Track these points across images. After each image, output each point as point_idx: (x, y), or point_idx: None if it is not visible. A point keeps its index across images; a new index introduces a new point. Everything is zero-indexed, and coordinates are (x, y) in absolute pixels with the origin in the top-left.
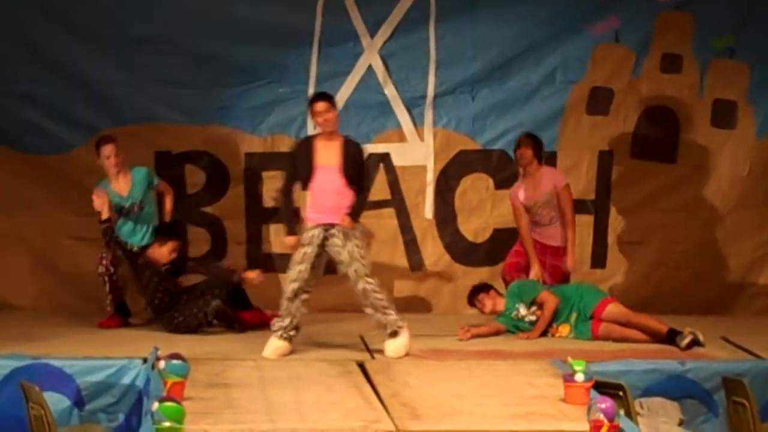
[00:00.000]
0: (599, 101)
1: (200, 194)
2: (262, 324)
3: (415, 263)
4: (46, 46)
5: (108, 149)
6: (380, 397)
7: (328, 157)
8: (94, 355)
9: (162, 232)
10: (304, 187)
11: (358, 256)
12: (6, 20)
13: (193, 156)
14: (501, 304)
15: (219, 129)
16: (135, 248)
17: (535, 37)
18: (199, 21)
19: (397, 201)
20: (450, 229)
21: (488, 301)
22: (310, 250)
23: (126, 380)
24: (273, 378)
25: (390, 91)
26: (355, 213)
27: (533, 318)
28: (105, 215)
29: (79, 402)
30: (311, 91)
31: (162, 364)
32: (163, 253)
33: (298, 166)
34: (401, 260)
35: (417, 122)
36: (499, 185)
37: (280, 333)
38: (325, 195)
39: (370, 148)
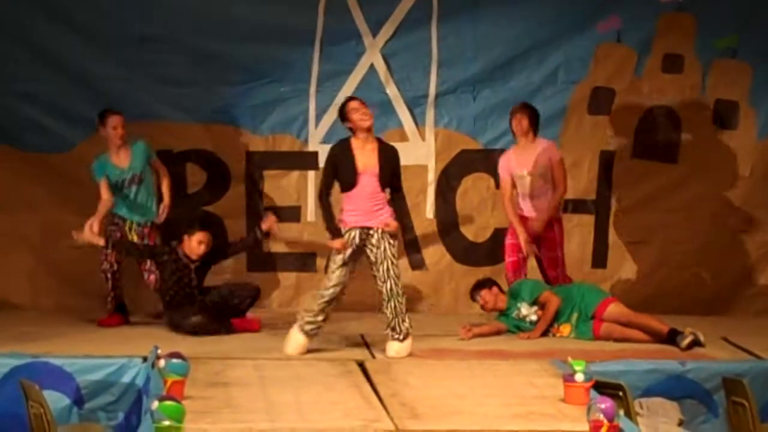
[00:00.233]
0: (601, 101)
1: (201, 193)
2: (249, 330)
3: (416, 262)
4: (46, 44)
5: (115, 120)
6: (380, 397)
7: (367, 160)
8: (93, 354)
9: (190, 223)
10: (344, 189)
11: (390, 255)
12: (6, 19)
13: (194, 154)
14: (503, 301)
15: (220, 127)
16: (140, 228)
17: (537, 37)
18: (200, 19)
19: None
20: (451, 228)
21: (490, 298)
22: (348, 253)
23: (126, 379)
24: (273, 377)
25: (392, 90)
26: (406, 216)
27: (534, 318)
28: (102, 242)
29: (78, 400)
30: (313, 89)
31: (162, 362)
32: (191, 246)
33: (340, 169)
34: (402, 259)
35: (418, 122)
36: (500, 185)
37: (308, 329)
38: (362, 198)
39: None
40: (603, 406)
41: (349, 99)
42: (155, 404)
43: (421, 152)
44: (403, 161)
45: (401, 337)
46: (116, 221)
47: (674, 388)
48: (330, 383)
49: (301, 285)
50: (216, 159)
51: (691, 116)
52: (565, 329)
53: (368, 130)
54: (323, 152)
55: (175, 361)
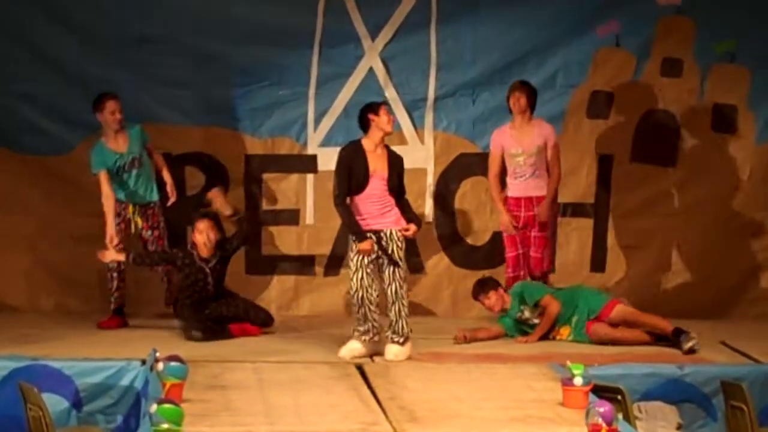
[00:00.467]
0: (600, 105)
1: (200, 196)
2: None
3: (415, 266)
4: (45, 46)
5: (113, 104)
6: (378, 400)
7: (377, 163)
8: (92, 357)
9: (190, 222)
10: (353, 193)
11: (397, 258)
12: (6, 20)
13: (192, 157)
14: (507, 302)
15: (219, 130)
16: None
17: (536, 41)
18: (200, 21)
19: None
20: (449, 232)
21: (497, 299)
22: (363, 256)
23: (124, 382)
24: (271, 380)
25: (390, 93)
26: (416, 218)
27: (537, 321)
28: (123, 257)
29: (77, 403)
30: (312, 92)
31: (160, 365)
32: (197, 240)
33: (354, 171)
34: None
35: (417, 125)
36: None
37: (360, 336)
38: (372, 201)
39: None
40: (601, 409)
41: (383, 102)
42: (154, 407)
43: (419, 155)
44: None
45: (401, 340)
46: (119, 210)
47: (673, 392)
48: (329, 386)
49: (299, 288)
50: (215, 162)
51: (689, 120)
52: (565, 332)
53: (384, 136)
54: (322, 155)
55: (173, 364)
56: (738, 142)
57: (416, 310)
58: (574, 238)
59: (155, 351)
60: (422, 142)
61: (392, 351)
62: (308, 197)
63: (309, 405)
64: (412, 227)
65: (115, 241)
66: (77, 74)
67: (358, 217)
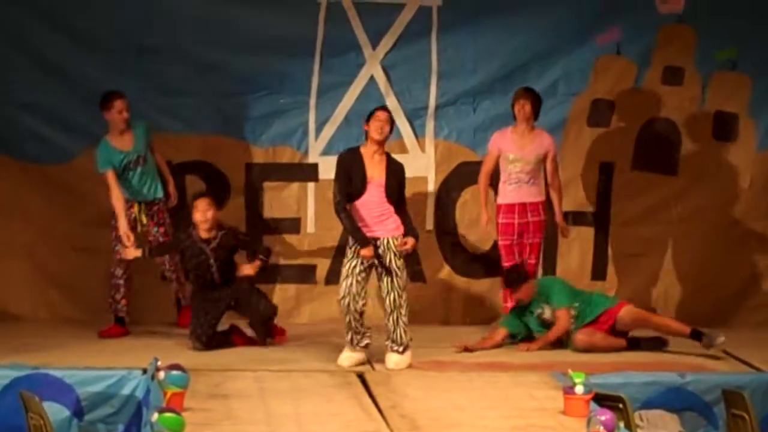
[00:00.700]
0: (601, 113)
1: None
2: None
3: (415, 275)
4: (46, 54)
5: (121, 103)
6: (380, 409)
7: (375, 170)
8: (93, 366)
9: (192, 196)
10: (351, 199)
11: (395, 267)
12: (7, 28)
13: (193, 166)
14: (535, 293)
15: (220, 139)
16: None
17: (536, 50)
18: (201, 30)
19: None
20: (450, 240)
21: (529, 291)
22: (355, 263)
23: (125, 391)
24: (273, 389)
25: (391, 102)
26: (413, 232)
27: (552, 320)
28: (140, 253)
29: (78, 412)
30: (313, 101)
31: (162, 374)
32: (196, 220)
33: (352, 177)
34: None
35: (418, 133)
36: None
37: (352, 343)
38: (369, 208)
39: None
40: (603, 418)
41: (380, 108)
42: (155, 416)
43: (420, 164)
44: None
45: (401, 349)
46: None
47: (674, 401)
48: (330, 395)
49: (300, 297)
50: (216, 170)
51: (690, 128)
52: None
53: (378, 143)
54: (323, 164)
55: (174, 372)
56: (739, 150)
57: (417, 318)
58: (575, 247)
59: (156, 360)
60: (423, 150)
61: (392, 360)
62: (309, 206)
63: (310, 414)
64: (410, 241)
65: (132, 238)
66: (79, 83)
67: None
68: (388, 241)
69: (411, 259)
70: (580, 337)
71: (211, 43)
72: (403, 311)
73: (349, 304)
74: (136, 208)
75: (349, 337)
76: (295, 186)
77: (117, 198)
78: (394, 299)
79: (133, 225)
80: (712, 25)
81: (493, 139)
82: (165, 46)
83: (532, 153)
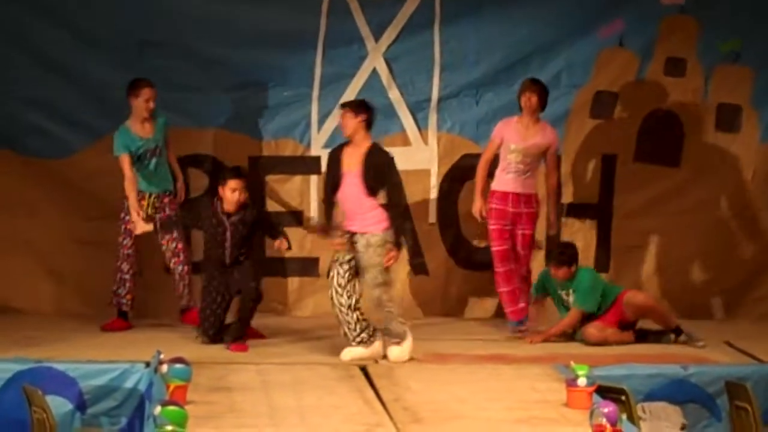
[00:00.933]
0: (603, 105)
1: (203, 198)
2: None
3: (418, 267)
4: (48, 49)
5: (149, 92)
6: (382, 401)
7: (351, 163)
8: (96, 359)
9: (221, 175)
10: (334, 194)
11: (376, 263)
12: (9, 24)
13: (196, 159)
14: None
15: (222, 132)
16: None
17: (539, 42)
18: (202, 24)
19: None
20: (453, 233)
21: (564, 272)
22: (338, 256)
23: (128, 384)
24: (275, 382)
25: (394, 94)
26: (401, 233)
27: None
28: (151, 227)
29: (81, 406)
30: (315, 94)
31: (164, 368)
32: (226, 196)
33: (329, 172)
34: (404, 264)
35: (421, 126)
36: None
37: (349, 339)
38: (346, 201)
39: None
40: (606, 410)
41: (342, 104)
42: (158, 409)
43: (423, 156)
44: (405, 166)
45: (397, 340)
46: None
47: (677, 393)
48: (332, 388)
49: (303, 289)
50: (218, 164)
51: (693, 120)
52: None
53: (349, 137)
54: (325, 157)
55: (177, 366)
56: (742, 142)
57: (420, 311)
58: (578, 239)
59: (159, 353)
60: (426, 143)
61: (393, 353)
62: (312, 199)
63: (313, 406)
64: (391, 255)
65: (142, 213)
66: (80, 77)
67: (340, 217)
68: (365, 237)
69: (414, 252)
70: (592, 331)
71: (212, 36)
72: (390, 305)
73: (332, 297)
74: (146, 201)
75: (341, 331)
76: (297, 179)
77: (129, 179)
78: (380, 296)
79: (143, 217)
80: (715, 17)
81: (498, 127)
82: (166, 40)
83: (534, 145)
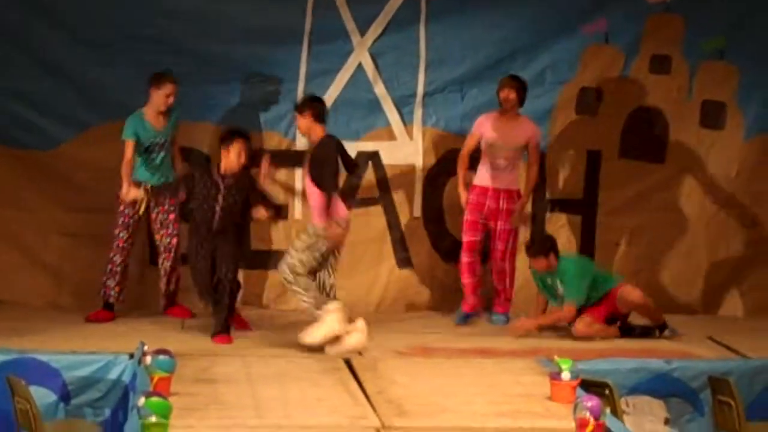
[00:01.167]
0: (588, 101)
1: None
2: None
3: (403, 261)
4: (36, 42)
5: (171, 88)
6: (366, 394)
7: (306, 156)
8: (80, 350)
9: (223, 137)
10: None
11: (292, 249)
12: None
13: (182, 152)
14: (554, 266)
15: (209, 126)
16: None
17: (524, 38)
18: (190, 19)
19: (385, 199)
20: (438, 227)
21: (544, 263)
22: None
23: (112, 375)
24: (260, 374)
25: (379, 89)
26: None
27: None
28: (142, 192)
29: (65, 396)
30: (301, 88)
31: (148, 359)
32: (231, 159)
33: None
34: (389, 258)
35: (406, 121)
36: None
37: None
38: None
39: (359, 146)
40: (589, 404)
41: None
42: (142, 400)
43: (408, 151)
44: (390, 160)
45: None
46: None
47: (660, 387)
48: (317, 380)
49: None
50: (205, 157)
51: (678, 117)
52: None
53: (305, 135)
54: None
55: (161, 357)
56: (726, 139)
57: (405, 305)
58: (562, 235)
59: (143, 344)
60: (411, 137)
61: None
62: (297, 192)
63: (297, 399)
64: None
65: (132, 190)
66: (68, 70)
67: None
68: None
69: (398, 246)
70: (580, 327)
71: (199, 31)
72: (295, 288)
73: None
74: (142, 193)
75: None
76: (282, 172)
77: (128, 162)
78: (283, 281)
79: (140, 207)
80: (699, 14)
81: (478, 121)
82: (155, 34)
83: (513, 140)
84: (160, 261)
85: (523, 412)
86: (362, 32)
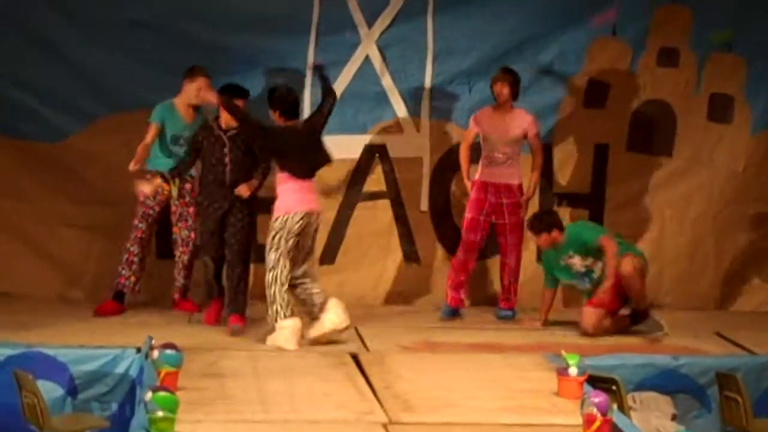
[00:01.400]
0: (596, 94)
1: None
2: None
3: (410, 255)
4: (40, 31)
5: (204, 81)
6: (373, 389)
7: None
8: (87, 344)
9: (225, 91)
10: None
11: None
12: (1, 5)
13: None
14: (560, 241)
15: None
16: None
17: (532, 30)
18: (197, 7)
19: (392, 192)
20: (445, 221)
21: (546, 238)
22: None
23: (119, 369)
24: (267, 369)
25: (387, 81)
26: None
27: (582, 270)
28: (159, 180)
29: (72, 391)
30: (308, 80)
31: (155, 353)
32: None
33: None
34: (396, 252)
35: (413, 113)
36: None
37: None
38: None
39: (366, 139)
40: (596, 400)
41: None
42: (149, 395)
43: (416, 144)
44: (398, 153)
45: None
46: (147, 177)
47: (667, 383)
48: (324, 375)
49: None
50: (205, 119)
51: (685, 110)
52: None
53: None
54: None
55: (168, 351)
56: (734, 133)
57: (411, 299)
58: None
59: (150, 339)
60: (418, 130)
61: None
62: None
63: (304, 394)
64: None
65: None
66: (72, 60)
67: None
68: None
69: (405, 239)
70: (588, 320)
71: (206, 20)
72: (270, 291)
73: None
74: (160, 179)
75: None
76: None
77: (145, 146)
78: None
79: (161, 193)
80: (708, 7)
81: (473, 117)
82: (160, 24)
83: (508, 133)
84: (177, 254)
85: (529, 408)
86: (370, 24)
